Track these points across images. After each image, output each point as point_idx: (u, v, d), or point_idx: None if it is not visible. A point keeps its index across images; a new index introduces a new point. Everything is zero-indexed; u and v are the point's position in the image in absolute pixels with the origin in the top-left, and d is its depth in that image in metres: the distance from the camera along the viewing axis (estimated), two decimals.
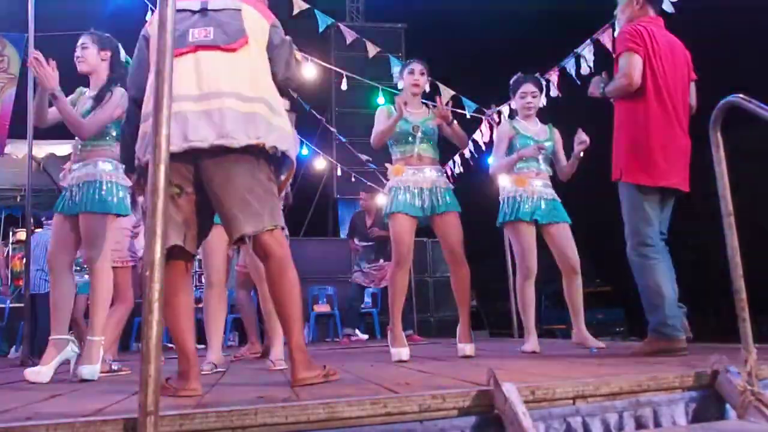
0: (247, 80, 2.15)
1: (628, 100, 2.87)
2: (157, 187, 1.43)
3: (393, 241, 3.27)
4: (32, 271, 4.82)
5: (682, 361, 2.30)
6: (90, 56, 3.05)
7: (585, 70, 4.82)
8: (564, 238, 3.61)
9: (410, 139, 3.36)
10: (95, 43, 3.06)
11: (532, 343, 3.51)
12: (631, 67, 2.79)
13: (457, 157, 7.44)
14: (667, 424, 1.74)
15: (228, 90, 2.09)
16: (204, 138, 2.03)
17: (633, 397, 1.75)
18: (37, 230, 5.52)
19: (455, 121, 3.42)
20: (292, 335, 2.14)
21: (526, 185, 3.62)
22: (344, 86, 6.49)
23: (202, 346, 3.48)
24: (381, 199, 6.19)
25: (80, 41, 3.07)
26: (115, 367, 3.18)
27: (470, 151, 7.04)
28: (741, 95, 2.00)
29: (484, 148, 6.60)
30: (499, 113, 6.19)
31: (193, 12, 2.21)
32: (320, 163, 10.01)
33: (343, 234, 9.45)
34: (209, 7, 2.22)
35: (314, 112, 7.99)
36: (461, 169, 7.47)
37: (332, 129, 9.71)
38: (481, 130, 6.64)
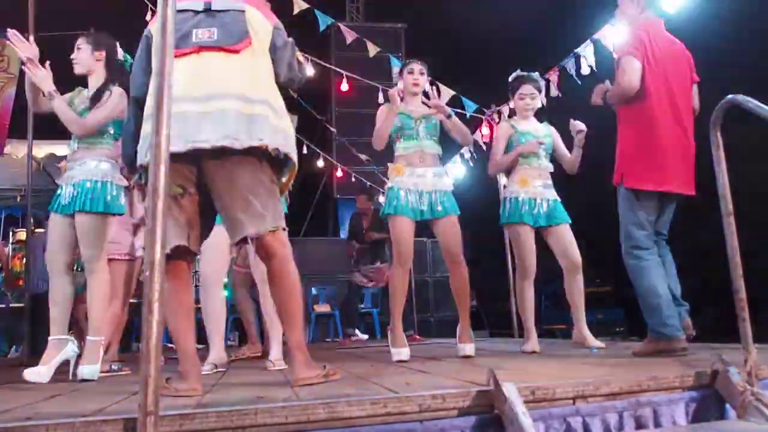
0: (250, 82, 2.15)
1: (628, 105, 2.86)
2: (157, 187, 1.43)
3: (393, 242, 3.26)
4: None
5: (682, 361, 2.30)
6: (84, 58, 3.04)
7: (585, 70, 4.82)
8: (565, 238, 3.62)
9: (414, 133, 3.33)
10: (89, 43, 3.05)
11: (532, 343, 3.52)
12: (630, 71, 2.78)
13: (457, 157, 7.43)
14: (667, 424, 1.74)
15: (231, 91, 2.10)
16: (207, 139, 2.03)
17: (633, 397, 1.75)
18: (37, 230, 5.51)
19: (454, 115, 3.40)
20: (293, 335, 2.15)
21: (528, 186, 3.63)
22: (344, 86, 6.48)
23: (202, 346, 3.48)
24: (381, 199, 6.18)
25: (77, 43, 3.07)
26: (115, 367, 3.18)
27: (470, 151, 7.04)
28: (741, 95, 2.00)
29: (484, 148, 6.59)
30: (499, 113, 6.19)
31: (196, 12, 2.21)
32: (320, 163, 10.01)
33: (343, 234, 9.45)
34: (213, 8, 2.21)
35: (314, 113, 8.00)
36: (461, 169, 7.47)
37: (332, 129, 9.71)
38: (480, 131, 6.64)
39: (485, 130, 6.55)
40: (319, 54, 6.55)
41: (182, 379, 2.05)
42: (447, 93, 5.57)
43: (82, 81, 3.12)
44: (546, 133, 3.78)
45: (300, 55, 2.41)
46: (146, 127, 2.09)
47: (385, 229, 3.59)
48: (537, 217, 3.59)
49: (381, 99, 6.59)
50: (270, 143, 2.11)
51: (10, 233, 7.99)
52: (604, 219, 3.69)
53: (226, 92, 2.09)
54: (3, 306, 6.51)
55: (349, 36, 5.96)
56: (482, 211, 4.94)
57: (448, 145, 3.57)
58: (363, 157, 8.29)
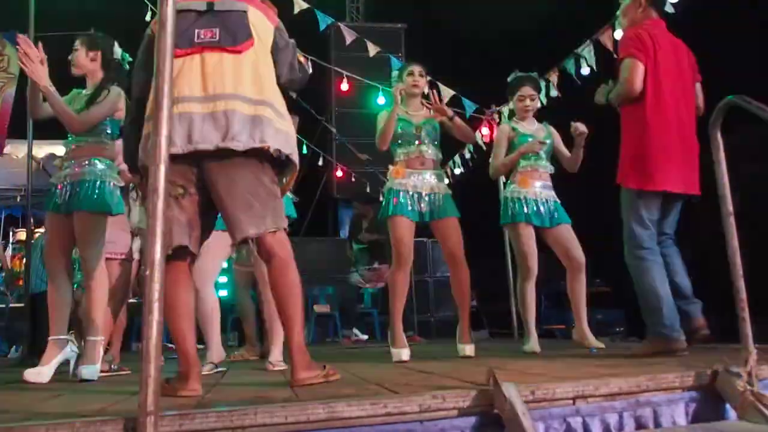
0: (252, 83, 2.15)
1: (631, 106, 2.87)
2: (157, 187, 1.43)
3: (393, 243, 3.26)
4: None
5: (681, 362, 2.30)
6: (79, 59, 3.04)
7: (585, 70, 4.82)
8: (567, 238, 3.62)
9: (413, 140, 3.35)
10: (84, 45, 3.05)
11: (532, 343, 3.52)
12: (633, 73, 2.79)
13: (457, 157, 7.44)
14: (667, 424, 1.74)
15: (233, 92, 2.09)
16: (209, 141, 2.03)
17: (633, 398, 1.75)
18: (37, 230, 5.51)
19: (455, 116, 3.41)
20: (293, 335, 2.15)
21: (528, 187, 3.63)
22: (344, 86, 6.48)
23: (202, 346, 3.47)
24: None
25: (74, 45, 3.07)
26: (115, 366, 3.18)
27: (470, 151, 7.04)
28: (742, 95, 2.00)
29: (484, 148, 6.59)
30: (499, 113, 6.19)
31: (199, 12, 2.20)
32: (320, 164, 9.99)
33: (343, 234, 9.45)
34: (215, 8, 2.21)
35: (314, 112, 7.99)
36: (461, 169, 7.47)
37: (332, 129, 9.70)
38: (480, 131, 6.64)
39: (485, 130, 6.56)
40: (319, 54, 6.54)
41: (182, 379, 2.05)
42: (447, 93, 5.57)
43: (82, 81, 3.12)
44: (546, 134, 3.78)
45: (301, 56, 2.41)
46: (148, 128, 2.09)
47: (380, 231, 3.59)
48: (537, 217, 3.60)
49: (381, 99, 6.60)
50: (272, 145, 2.11)
51: (10, 233, 8.00)
52: (604, 219, 3.68)
53: (229, 93, 2.09)
54: (3, 306, 6.51)
55: (349, 36, 5.96)
56: (482, 211, 4.93)
57: (447, 145, 3.58)
58: (363, 156, 8.28)
